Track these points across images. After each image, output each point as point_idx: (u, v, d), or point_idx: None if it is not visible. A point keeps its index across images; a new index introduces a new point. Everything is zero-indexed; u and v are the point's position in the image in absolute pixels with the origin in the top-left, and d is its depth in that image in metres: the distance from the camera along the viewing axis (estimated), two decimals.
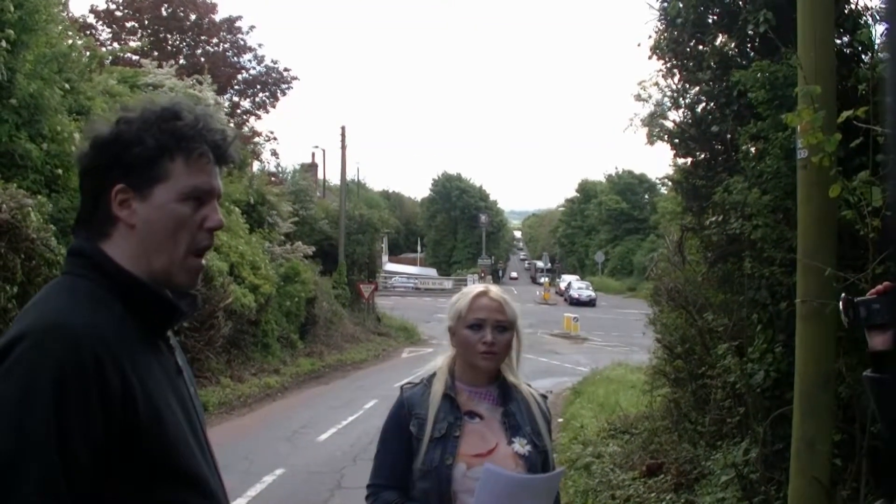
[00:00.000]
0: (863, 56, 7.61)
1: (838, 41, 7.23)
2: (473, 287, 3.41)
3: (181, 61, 37.02)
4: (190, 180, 1.98)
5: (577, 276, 74.77)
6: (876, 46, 7.36)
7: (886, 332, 2.36)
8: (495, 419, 3.22)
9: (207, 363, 18.84)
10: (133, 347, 1.87)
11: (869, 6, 7.80)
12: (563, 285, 70.14)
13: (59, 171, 14.02)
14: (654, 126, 10.35)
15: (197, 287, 2.08)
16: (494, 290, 3.35)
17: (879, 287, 2.42)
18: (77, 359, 1.71)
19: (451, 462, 3.08)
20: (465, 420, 3.19)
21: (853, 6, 7.71)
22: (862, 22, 7.67)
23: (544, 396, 3.45)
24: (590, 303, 65.30)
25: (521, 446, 3.16)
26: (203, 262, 2.06)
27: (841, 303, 2.45)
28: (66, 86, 15.21)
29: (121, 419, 1.76)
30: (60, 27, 15.47)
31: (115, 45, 35.77)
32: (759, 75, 7.17)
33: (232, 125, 32.31)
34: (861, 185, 5.36)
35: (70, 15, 20.03)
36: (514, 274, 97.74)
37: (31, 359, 1.70)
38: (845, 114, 5.29)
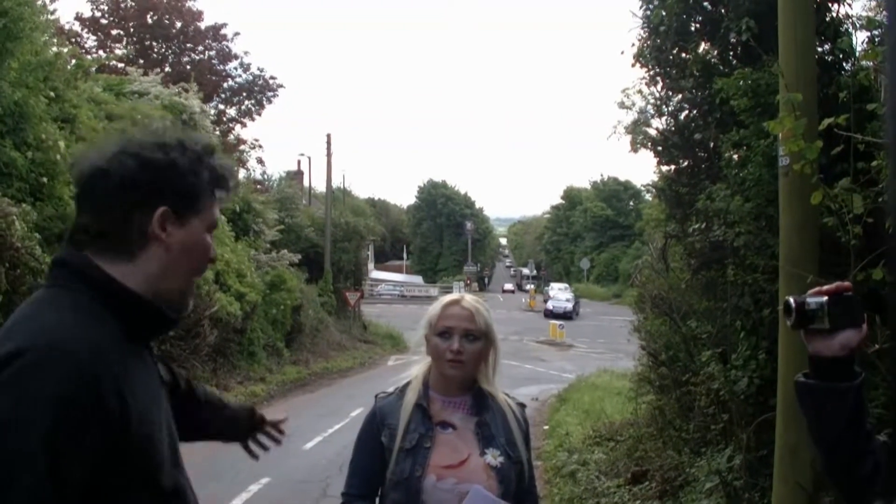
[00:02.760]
0: (844, 64, 7.67)
1: (819, 49, 7.28)
2: (448, 296, 3.40)
3: (167, 69, 36.98)
4: (214, 215, 2.11)
5: (566, 285, 73.34)
6: (857, 54, 7.41)
7: (833, 336, 2.19)
8: (468, 430, 3.18)
9: (193, 371, 18.73)
10: (127, 361, 1.89)
11: (850, 14, 7.86)
12: (551, 293, 67.99)
13: (45, 179, 13.97)
14: (637, 133, 10.39)
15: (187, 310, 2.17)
16: (468, 298, 3.33)
17: (830, 286, 2.28)
18: (78, 381, 1.72)
19: (421, 473, 3.05)
20: (438, 431, 3.16)
21: (834, 14, 7.77)
22: (843, 30, 7.73)
23: (522, 406, 3.41)
24: (565, 315, 58.82)
25: (493, 458, 3.12)
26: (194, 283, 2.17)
27: (784, 305, 2.33)
28: (52, 94, 15.17)
29: (117, 438, 1.77)
30: (46, 35, 15.44)
31: (101, 52, 35.72)
32: (741, 83, 7.21)
33: (217, 133, 32.28)
34: (842, 192, 5.38)
35: (57, 23, 19.93)
36: (508, 286, 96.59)
37: (31, 378, 1.69)
38: (826, 121, 5.33)
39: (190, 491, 2.09)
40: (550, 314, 59.78)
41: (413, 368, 3.38)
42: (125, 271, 1.96)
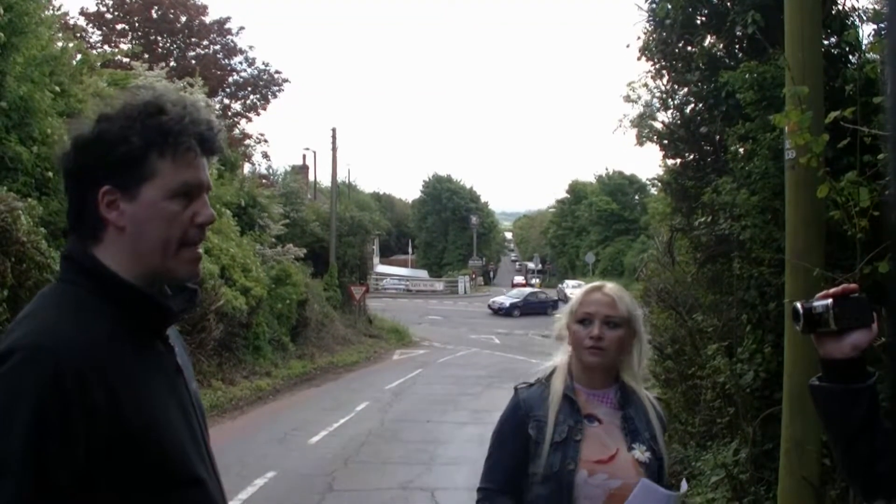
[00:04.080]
0: (850, 56, 7.65)
1: (825, 42, 7.26)
2: (591, 283, 3.34)
3: (171, 64, 36.94)
4: (178, 176, 1.91)
5: (580, 282, 72.11)
6: (863, 47, 7.39)
7: (843, 338, 2.17)
8: (614, 424, 3.11)
9: (198, 366, 18.77)
10: (124, 355, 1.84)
11: (856, 7, 7.84)
12: (568, 292, 66.78)
13: (50, 173, 13.96)
14: (643, 127, 10.40)
15: (198, 277, 2.04)
16: (610, 286, 3.25)
17: (836, 289, 2.26)
18: (57, 380, 1.68)
19: (574, 468, 2.96)
20: (585, 423, 3.07)
21: (840, 7, 7.75)
22: (849, 23, 7.71)
23: (659, 400, 3.35)
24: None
25: (640, 453, 3.06)
26: (200, 250, 1.99)
27: (792, 311, 2.30)
28: (57, 88, 15.16)
29: (107, 433, 1.73)
30: (51, 30, 15.44)
31: (106, 47, 35.69)
32: (747, 76, 7.19)
33: (223, 127, 32.25)
34: (848, 185, 5.37)
35: (62, 17, 19.94)
36: (518, 279, 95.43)
37: (13, 379, 1.68)
38: (833, 114, 5.31)
39: (212, 482, 2.01)
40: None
41: (554, 359, 3.27)
42: (103, 258, 1.90)
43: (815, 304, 2.19)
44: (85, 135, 1.91)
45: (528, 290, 65.01)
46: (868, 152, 5.50)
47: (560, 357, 3.24)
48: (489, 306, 58.92)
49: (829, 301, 2.17)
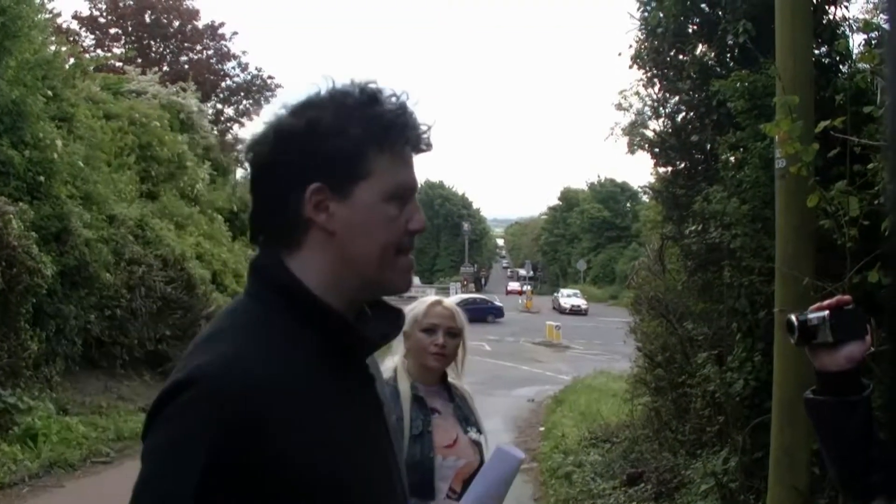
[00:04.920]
0: (840, 66, 7.69)
1: (816, 51, 7.29)
2: (428, 297, 3.87)
3: (165, 68, 36.95)
4: (396, 177, 1.70)
5: (577, 291, 72.12)
6: (854, 57, 7.43)
7: (837, 350, 2.17)
8: (449, 413, 3.62)
9: None
10: (317, 391, 1.64)
11: (847, 17, 7.87)
12: (562, 301, 66.74)
13: (42, 178, 13.97)
14: (634, 135, 10.43)
15: (410, 288, 1.83)
16: (447, 301, 3.80)
17: (830, 301, 2.25)
18: (241, 423, 1.50)
19: (432, 455, 3.44)
20: (431, 416, 3.55)
21: (831, 17, 7.79)
22: (840, 32, 7.75)
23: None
24: (579, 311, 62.28)
25: (474, 434, 3.61)
26: (412, 258, 1.78)
27: (786, 323, 2.29)
28: (49, 92, 15.19)
29: (287, 484, 1.55)
30: (44, 34, 15.44)
31: (99, 51, 35.68)
32: (738, 85, 7.22)
33: (215, 132, 32.27)
34: (838, 194, 5.39)
35: (55, 21, 19.95)
36: (514, 285, 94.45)
37: (191, 414, 1.52)
38: (823, 124, 5.32)
39: None
40: (566, 311, 61.29)
41: (388, 362, 3.60)
42: (296, 268, 1.68)
43: (810, 316, 2.19)
44: (291, 124, 1.68)
45: (465, 296, 63.51)
46: (858, 162, 5.52)
47: (394, 360, 3.66)
48: None
49: (826, 313, 2.17)
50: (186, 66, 39.43)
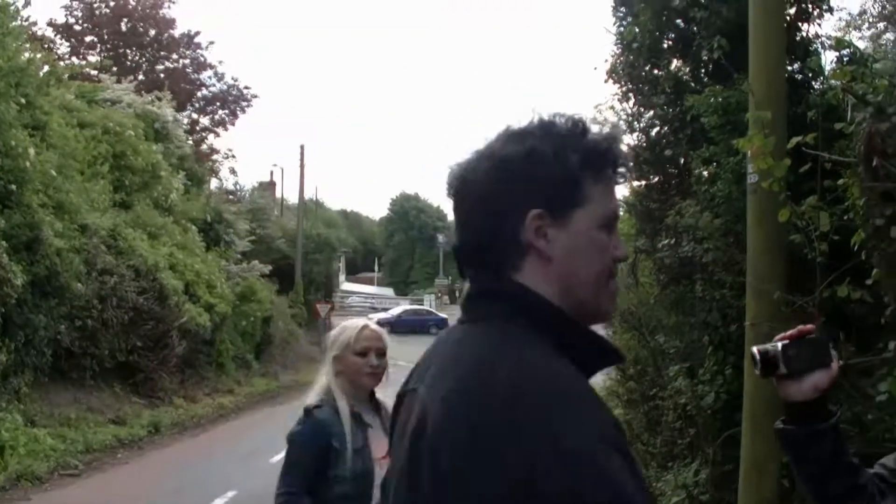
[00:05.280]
0: (813, 83, 7.76)
1: (789, 68, 7.35)
2: (354, 321, 4.18)
3: (140, 77, 36.81)
4: (607, 205, 1.71)
5: None
6: (826, 73, 7.50)
7: (802, 380, 2.15)
8: (379, 426, 3.89)
9: (160, 383, 18.67)
10: None
11: (819, 34, 7.95)
12: None
13: (13, 186, 13.86)
14: None
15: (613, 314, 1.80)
16: (373, 324, 4.12)
17: (792, 331, 2.24)
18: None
19: (372, 466, 3.77)
20: (367, 431, 3.88)
21: (804, 34, 7.87)
22: (812, 49, 7.82)
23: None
24: None
25: None
26: (616, 283, 1.77)
27: (750, 356, 2.28)
28: (23, 100, 15.08)
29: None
30: (18, 41, 15.34)
31: (74, 59, 35.48)
32: (711, 100, 7.28)
33: (190, 142, 32.18)
34: (809, 209, 5.43)
35: (29, 29, 19.83)
36: None
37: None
38: (795, 140, 5.36)
39: None
40: None
41: (319, 384, 4.01)
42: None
43: (770, 347, 2.19)
44: (513, 152, 1.67)
45: (405, 307, 61.71)
46: (829, 177, 5.57)
47: (325, 381, 4.00)
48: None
49: (780, 345, 2.15)
50: (162, 75, 39.30)
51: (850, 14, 20.52)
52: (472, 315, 1.71)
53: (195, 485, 11.89)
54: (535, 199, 1.64)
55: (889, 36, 18.31)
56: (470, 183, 1.70)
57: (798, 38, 7.75)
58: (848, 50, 7.31)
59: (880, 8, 19.16)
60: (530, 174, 1.64)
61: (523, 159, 1.65)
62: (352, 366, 3.93)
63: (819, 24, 8.03)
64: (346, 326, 4.09)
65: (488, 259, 1.68)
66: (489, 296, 1.68)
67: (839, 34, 7.69)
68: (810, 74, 7.74)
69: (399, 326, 48.83)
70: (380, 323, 5.22)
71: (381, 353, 4.00)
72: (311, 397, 3.99)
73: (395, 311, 58.41)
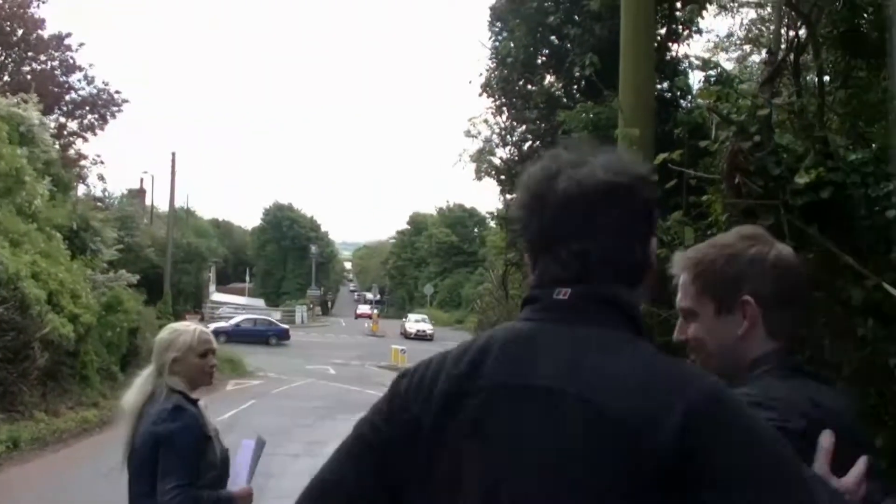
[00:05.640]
0: (681, 101, 7.99)
1: (659, 86, 7.55)
2: (184, 324, 4.60)
3: (6, 78, 35.67)
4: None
5: (424, 316, 70.96)
6: (693, 92, 7.73)
7: None
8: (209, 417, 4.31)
9: (21, 396, 18.02)
10: None
11: (688, 55, 8.20)
12: (408, 326, 64.76)
13: None
14: (482, 162, 10.57)
15: None
16: (202, 326, 4.55)
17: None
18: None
19: (226, 449, 4.28)
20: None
21: (673, 54, 8.10)
22: (681, 69, 8.05)
23: None
24: (424, 336, 60.09)
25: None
26: None
27: None
28: None
29: None
30: None
31: None
32: (582, 116, 7.42)
33: (57, 147, 31.28)
34: (675, 224, 5.58)
35: None
36: (364, 308, 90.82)
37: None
38: (662, 156, 5.50)
39: None
40: (412, 336, 59.99)
41: (149, 385, 4.31)
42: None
43: None
44: (648, 172, 1.83)
45: (247, 316, 59.13)
46: (693, 193, 5.74)
47: (161, 380, 4.25)
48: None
49: None
50: (29, 77, 38.17)
51: (718, 36, 21.20)
52: (574, 316, 1.73)
53: (56, 503, 11.51)
54: (654, 227, 1.85)
55: (755, 58, 19.00)
56: (636, 196, 1.78)
57: (668, 58, 7.97)
58: (715, 71, 7.56)
59: (746, 31, 19.86)
60: (653, 196, 1.82)
61: (650, 181, 1.82)
62: (194, 367, 4.26)
63: (688, 45, 8.35)
64: (181, 330, 4.40)
65: (628, 274, 1.77)
66: (622, 306, 1.73)
67: (707, 55, 7.92)
68: (678, 93, 7.97)
69: (236, 336, 46.85)
70: (215, 332, 5.50)
71: (215, 353, 4.42)
72: (161, 398, 4.21)
73: (234, 320, 55.06)
